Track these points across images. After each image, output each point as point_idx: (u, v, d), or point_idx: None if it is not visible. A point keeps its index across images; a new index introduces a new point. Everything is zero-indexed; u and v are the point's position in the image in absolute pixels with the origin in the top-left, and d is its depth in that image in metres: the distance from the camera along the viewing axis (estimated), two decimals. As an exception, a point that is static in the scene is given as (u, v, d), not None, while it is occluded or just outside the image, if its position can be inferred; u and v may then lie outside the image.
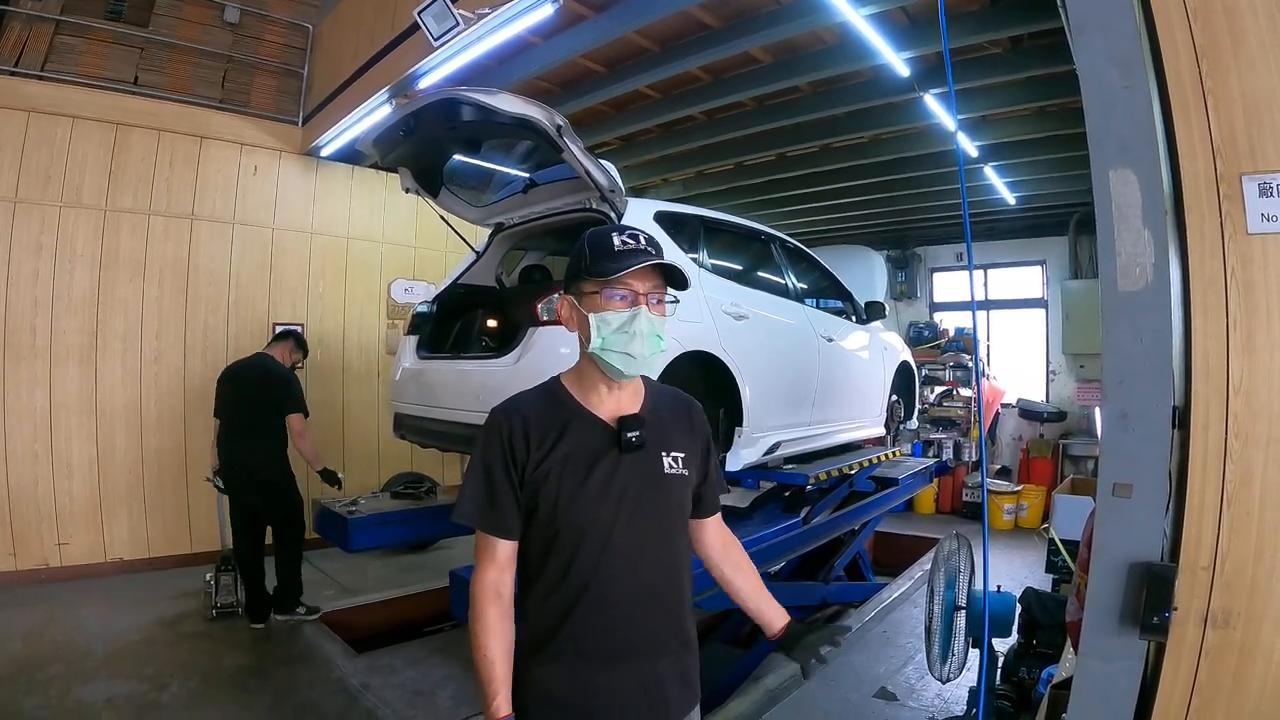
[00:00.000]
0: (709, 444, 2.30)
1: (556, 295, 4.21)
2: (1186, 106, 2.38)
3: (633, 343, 2.01)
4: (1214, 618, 2.33)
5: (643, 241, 2.05)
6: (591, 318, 2.03)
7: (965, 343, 13.55)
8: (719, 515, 2.40)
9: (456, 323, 5.70)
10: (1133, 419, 2.40)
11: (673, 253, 4.69)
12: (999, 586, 4.42)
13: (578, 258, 2.10)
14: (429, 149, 4.92)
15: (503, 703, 1.96)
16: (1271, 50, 2.28)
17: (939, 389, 13.34)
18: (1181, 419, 2.38)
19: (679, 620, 2.15)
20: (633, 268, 1.99)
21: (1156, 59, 2.42)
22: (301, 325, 9.03)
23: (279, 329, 7.18)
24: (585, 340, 2.07)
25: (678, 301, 2.16)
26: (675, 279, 2.11)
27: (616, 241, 2.04)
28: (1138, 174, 2.37)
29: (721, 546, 2.38)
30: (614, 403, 2.14)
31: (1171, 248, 2.36)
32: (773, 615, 2.36)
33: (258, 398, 6.36)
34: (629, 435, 2.05)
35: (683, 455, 2.16)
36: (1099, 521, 2.50)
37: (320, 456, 6.36)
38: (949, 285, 15.14)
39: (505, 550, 2.05)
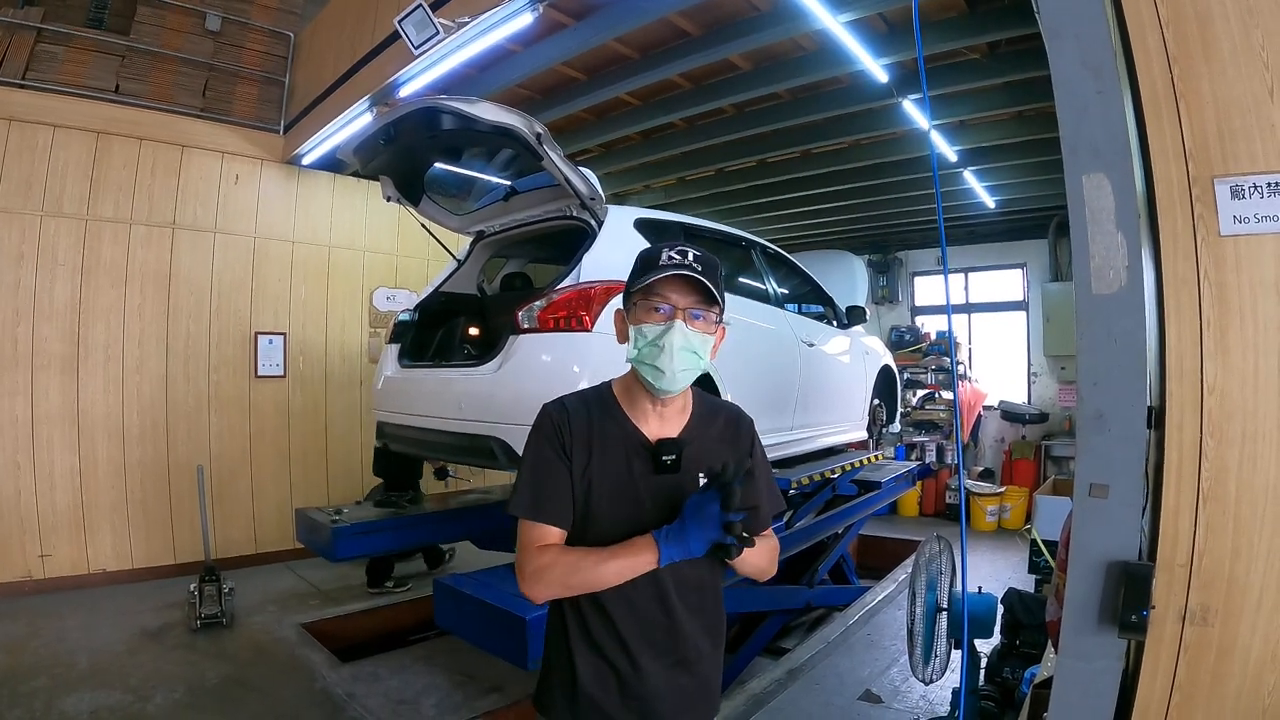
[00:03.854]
0: (754, 461, 2.21)
1: (538, 303, 4.26)
2: (1159, 111, 2.41)
3: (661, 356, 2.00)
4: (1192, 615, 2.35)
5: (690, 257, 2.02)
6: (631, 329, 2.06)
7: (947, 346, 13.62)
8: (765, 533, 2.25)
9: (438, 331, 5.70)
10: (1108, 420, 2.43)
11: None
12: (980, 588, 4.46)
13: (631, 271, 2.11)
14: (410, 157, 4.93)
15: (644, 543, 1.94)
16: (1243, 55, 2.32)
17: (921, 392, 13.41)
18: (1157, 419, 2.41)
19: (688, 639, 2.12)
20: (658, 275, 1.99)
21: (1129, 65, 2.45)
22: (284, 334, 9.03)
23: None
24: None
25: (720, 319, 2.11)
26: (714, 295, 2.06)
27: (664, 256, 2.03)
28: (1111, 178, 2.40)
29: (752, 570, 2.21)
30: (658, 419, 2.14)
31: (1145, 251, 2.39)
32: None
33: None
34: (664, 459, 2.06)
35: None
36: (1076, 522, 2.52)
37: None
38: (930, 289, 15.20)
39: (554, 538, 2.02)
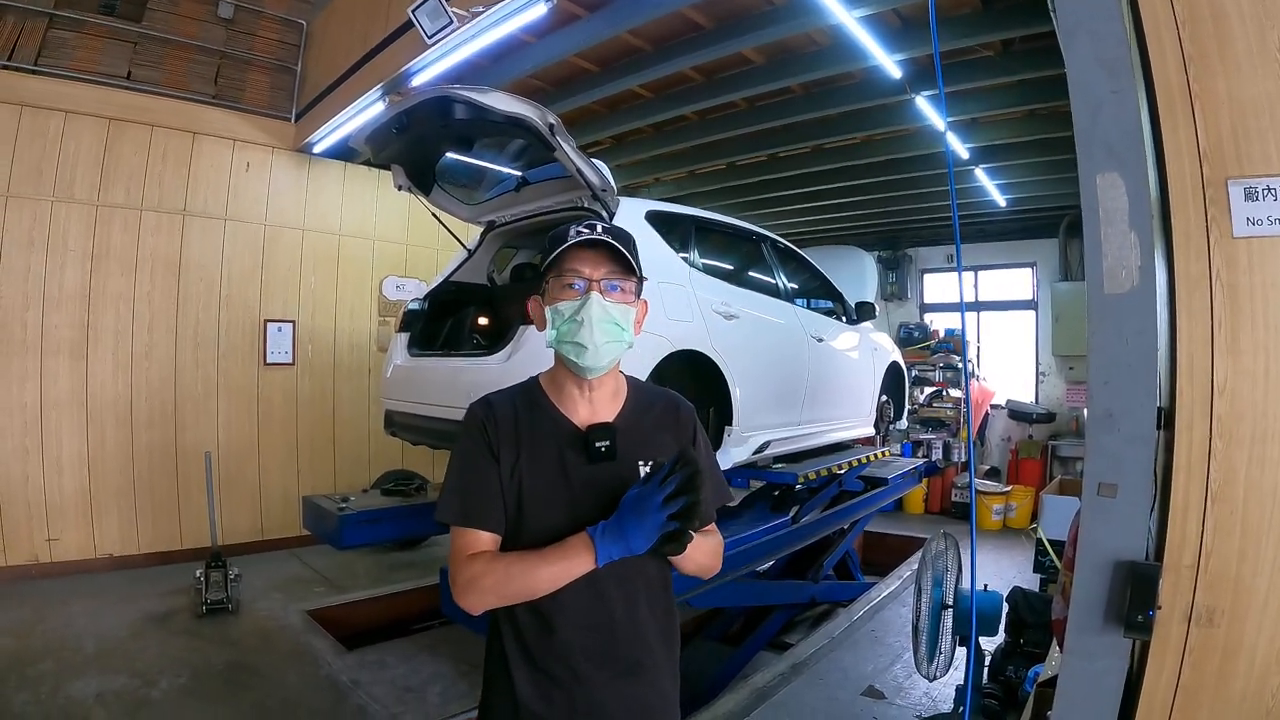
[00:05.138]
0: (696, 451, 2.04)
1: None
2: (1174, 111, 2.39)
3: (581, 331, 1.91)
4: (1198, 616, 2.35)
5: (599, 230, 1.95)
6: (547, 311, 1.98)
7: (955, 344, 13.59)
8: (708, 529, 2.12)
9: (448, 320, 5.70)
10: (1118, 419, 2.42)
11: (663, 252, 4.73)
12: (985, 585, 4.45)
13: (541, 255, 2.03)
14: (422, 147, 4.92)
15: (579, 542, 1.83)
16: (1259, 56, 2.31)
17: (929, 390, 13.39)
18: (1166, 419, 2.40)
19: (635, 644, 1.99)
20: (568, 244, 1.93)
21: (1145, 64, 2.44)
22: (293, 322, 9.06)
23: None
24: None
25: (639, 293, 2.04)
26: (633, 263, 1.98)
27: (572, 231, 1.94)
28: (1124, 178, 2.39)
29: (695, 568, 2.08)
30: (588, 406, 2.04)
31: (1158, 251, 2.38)
32: None
33: None
34: (597, 445, 1.96)
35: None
36: (1084, 520, 2.51)
37: None
38: (940, 286, 15.21)
39: (488, 543, 1.91)
